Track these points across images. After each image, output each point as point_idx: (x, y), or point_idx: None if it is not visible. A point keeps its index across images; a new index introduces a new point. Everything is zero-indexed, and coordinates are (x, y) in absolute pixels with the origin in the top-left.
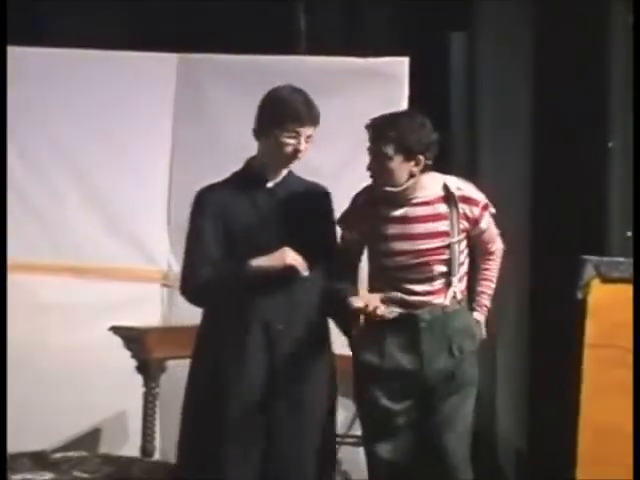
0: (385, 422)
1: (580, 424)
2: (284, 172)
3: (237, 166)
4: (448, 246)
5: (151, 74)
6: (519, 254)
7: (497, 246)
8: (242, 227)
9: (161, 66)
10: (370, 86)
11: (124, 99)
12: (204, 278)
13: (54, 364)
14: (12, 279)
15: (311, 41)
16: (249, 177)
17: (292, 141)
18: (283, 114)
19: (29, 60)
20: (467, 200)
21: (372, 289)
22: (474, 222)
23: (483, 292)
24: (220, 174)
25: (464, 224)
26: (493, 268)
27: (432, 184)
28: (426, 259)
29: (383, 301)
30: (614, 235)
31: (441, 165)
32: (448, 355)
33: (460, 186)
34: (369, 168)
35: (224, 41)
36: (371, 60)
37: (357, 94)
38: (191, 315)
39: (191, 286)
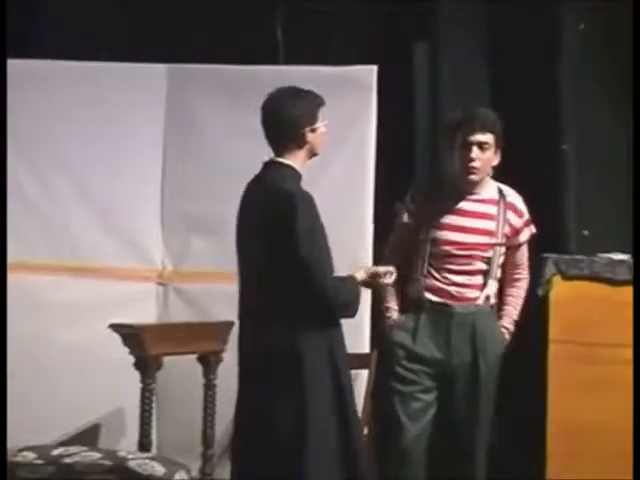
0: (410, 402)
1: (547, 419)
2: None
3: (224, 166)
4: (491, 246)
5: (142, 81)
6: None
7: (523, 275)
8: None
9: (151, 74)
10: (342, 93)
11: (118, 107)
12: (341, 301)
13: (54, 362)
14: (12, 279)
15: (288, 51)
16: (299, 178)
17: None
18: (310, 105)
19: (25, 71)
20: (514, 208)
21: (411, 276)
22: (515, 232)
23: (505, 315)
24: (208, 175)
25: (507, 230)
26: (518, 296)
27: (489, 185)
28: (470, 252)
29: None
30: (571, 234)
31: (407, 171)
32: (472, 351)
33: (511, 194)
34: (466, 159)
35: (209, 52)
36: (343, 68)
37: (330, 100)
38: (185, 313)
39: (331, 304)
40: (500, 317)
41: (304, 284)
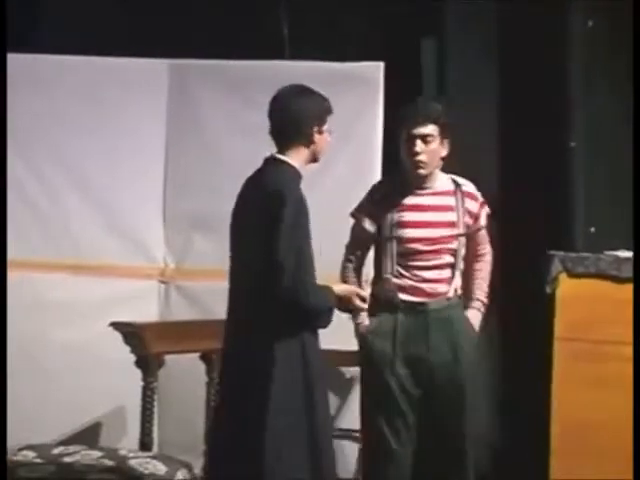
0: (396, 409)
1: (551, 416)
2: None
3: (227, 163)
4: (455, 237)
5: (144, 79)
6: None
7: (487, 249)
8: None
9: (153, 70)
10: (348, 89)
11: (119, 103)
12: (314, 303)
13: (54, 360)
14: (13, 277)
15: (294, 47)
16: (301, 178)
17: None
18: (323, 109)
19: (26, 66)
20: (470, 195)
21: (379, 277)
22: (475, 218)
23: (478, 289)
24: (211, 172)
25: (467, 218)
26: (484, 269)
27: (442, 177)
28: (437, 247)
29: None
30: (578, 231)
31: None
32: (451, 346)
33: (465, 183)
34: (410, 154)
35: (212, 47)
36: (349, 64)
37: (336, 96)
38: (187, 311)
39: (303, 304)
40: (473, 291)
41: (277, 286)
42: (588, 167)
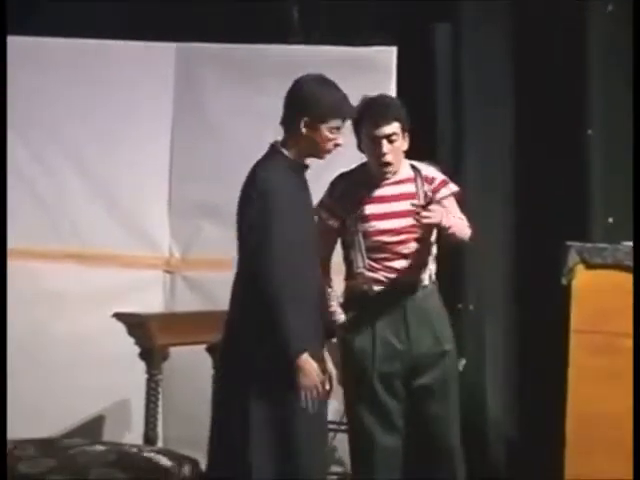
0: (380, 405)
1: (567, 410)
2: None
3: (233, 150)
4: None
5: (150, 62)
6: (505, 241)
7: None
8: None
9: (160, 55)
10: (360, 74)
11: (124, 87)
12: (276, 291)
13: (56, 352)
14: (14, 266)
15: (303, 30)
16: (298, 166)
17: (335, 136)
18: (330, 111)
19: (28, 50)
20: (428, 179)
21: (352, 272)
22: (434, 192)
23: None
24: (218, 160)
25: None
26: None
27: (403, 166)
28: (404, 237)
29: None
30: (596, 222)
31: (427, 153)
32: (431, 334)
33: (424, 167)
34: (377, 155)
35: (221, 31)
36: (360, 49)
37: (346, 82)
38: (193, 302)
39: (265, 289)
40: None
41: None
42: (606, 156)
